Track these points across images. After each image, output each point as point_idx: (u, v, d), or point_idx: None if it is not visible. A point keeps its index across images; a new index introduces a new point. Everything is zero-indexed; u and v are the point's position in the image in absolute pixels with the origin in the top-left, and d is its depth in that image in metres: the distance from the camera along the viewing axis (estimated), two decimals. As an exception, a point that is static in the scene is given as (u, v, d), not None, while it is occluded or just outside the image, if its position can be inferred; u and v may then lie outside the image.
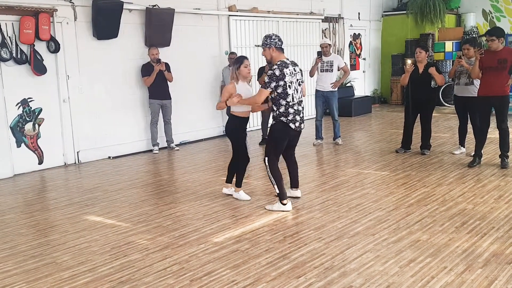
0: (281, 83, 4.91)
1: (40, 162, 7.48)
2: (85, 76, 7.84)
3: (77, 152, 7.86)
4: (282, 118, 5.02)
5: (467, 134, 7.47)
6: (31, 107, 7.30)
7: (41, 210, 5.54)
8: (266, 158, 5.14)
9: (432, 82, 7.22)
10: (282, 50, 5.11)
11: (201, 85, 9.58)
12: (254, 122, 10.53)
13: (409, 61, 7.33)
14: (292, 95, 5.00)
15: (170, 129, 8.67)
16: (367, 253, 3.98)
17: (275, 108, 5.04)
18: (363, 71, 14.10)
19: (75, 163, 7.84)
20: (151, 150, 8.59)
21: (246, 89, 5.32)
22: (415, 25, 13.50)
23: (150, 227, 4.81)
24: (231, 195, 5.69)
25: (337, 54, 12.11)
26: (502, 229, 4.40)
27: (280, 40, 5.09)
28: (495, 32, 6.34)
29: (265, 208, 5.21)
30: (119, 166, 7.65)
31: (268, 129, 6.09)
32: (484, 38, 7.71)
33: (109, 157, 8.17)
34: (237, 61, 5.30)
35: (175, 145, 8.81)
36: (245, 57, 5.36)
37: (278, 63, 4.98)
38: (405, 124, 7.66)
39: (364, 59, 14.09)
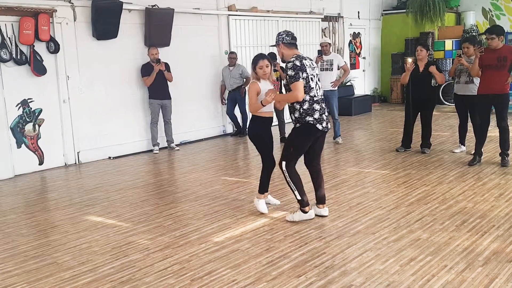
0: (304, 75, 4.48)
1: (41, 163, 7.49)
2: (85, 76, 7.85)
3: (78, 153, 7.87)
4: (308, 118, 4.53)
5: (467, 132, 7.46)
6: (31, 108, 7.31)
7: (41, 211, 5.55)
8: (284, 163, 4.65)
9: (432, 81, 7.22)
10: (293, 45, 4.69)
11: (201, 84, 9.59)
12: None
13: (409, 60, 7.32)
14: (316, 90, 4.58)
15: (170, 129, 8.67)
16: (368, 252, 3.99)
17: (297, 107, 4.57)
18: (363, 70, 14.10)
19: (75, 163, 7.84)
20: (151, 150, 8.59)
21: (269, 87, 4.85)
22: (415, 23, 13.50)
23: (151, 227, 4.82)
24: (271, 203, 5.20)
25: (337, 53, 12.11)
26: (503, 228, 4.40)
27: (288, 35, 4.69)
28: (495, 30, 6.34)
29: (286, 220, 4.76)
30: (120, 166, 7.65)
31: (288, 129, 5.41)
32: (483, 36, 7.70)
33: (110, 157, 8.17)
34: (252, 62, 4.86)
35: (175, 145, 8.81)
36: (261, 57, 4.83)
37: (294, 56, 4.58)
38: (405, 122, 7.66)
39: (364, 58, 14.09)
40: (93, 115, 7.98)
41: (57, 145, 7.64)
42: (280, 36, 4.73)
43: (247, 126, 5.44)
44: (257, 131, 5.02)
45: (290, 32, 4.77)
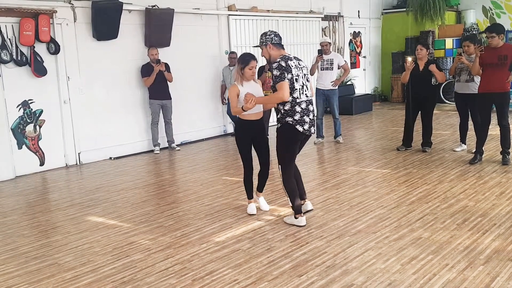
0: (289, 75, 4.41)
1: (42, 164, 7.49)
2: (85, 77, 7.85)
3: (78, 153, 7.87)
4: (287, 119, 4.48)
5: (468, 131, 7.46)
6: (32, 109, 7.31)
7: (43, 212, 5.55)
8: (280, 167, 4.64)
9: (433, 80, 7.22)
10: (281, 46, 4.63)
11: (201, 85, 9.59)
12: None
13: (409, 59, 7.31)
14: (299, 91, 4.49)
15: (171, 129, 8.67)
16: (369, 251, 3.99)
17: (280, 107, 4.51)
18: (364, 69, 14.09)
19: (76, 164, 7.84)
20: (152, 151, 8.59)
21: (253, 89, 4.69)
22: (415, 22, 13.48)
23: (152, 227, 4.82)
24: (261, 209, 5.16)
25: (337, 52, 12.11)
26: (504, 226, 4.39)
27: (276, 35, 4.61)
28: (495, 28, 6.33)
29: (284, 221, 4.77)
30: (120, 166, 7.65)
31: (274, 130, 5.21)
32: (484, 35, 7.69)
33: (110, 158, 8.18)
34: (242, 61, 4.68)
35: (176, 145, 8.81)
36: (252, 57, 4.70)
37: (281, 56, 4.52)
38: (406, 121, 7.65)
39: (364, 57, 14.08)
40: (93, 116, 7.99)
41: (58, 146, 7.65)
42: (268, 36, 4.61)
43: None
44: (238, 134, 4.97)
45: (277, 32, 4.71)
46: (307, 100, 4.59)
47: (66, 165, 7.76)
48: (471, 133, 7.39)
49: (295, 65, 4.51)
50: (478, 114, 6.77)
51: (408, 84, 7.37)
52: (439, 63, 10.01)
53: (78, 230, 4.85)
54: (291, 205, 4.70)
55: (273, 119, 9.02)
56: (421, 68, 7.23)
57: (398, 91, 13.88)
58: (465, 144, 7.52)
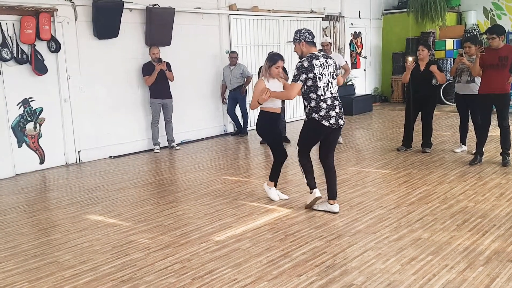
0: (310, 75, 4.65)
1: (41, 162, 7.49)
2: (86, 75, 7.85)
3: (78, 152, 7.87)
4: (314, 115, 4.73)
5: (468, 132, 7.46)
6: (32, 107, 7.31)
7: (42, 210, 5.55)
8: (297, 148, 4.99)
9: (433, 80, 7.22)
10: (313, 44, 4.87)
11: (202, 84, 9.58)
12: (255, 120, 10.51)
13: (410, 59, 7.32)
14: (323, 89, 4.70)
15: (171, 128, 8.67)
16: (368, 251, 3.98)
17: (306, 103, 4.80)
18: (364, 70, 14.09)
19: (76, 162, 7.84)
20: (152, 150, 8.59)
21: (275, 85, 5.15)
22: (416, 23, 13.48)
23: (152, 226, 4.82)
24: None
25: (338, 52, 12.10)
26: (504, 227, 4.39)
27: (310, 33, 4.86)
28: (496, 30, 6.33)
29: (316, 209, 5.03)
30: (120, 165, 7.65)
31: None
32: (484, 36, 7.69)
33: (110, 157, 8.18)
34: (271, 60, 5.12)
35: (176, 144, 8.81)
36: (279, 58, 5.13)
37: (308, 55, 4.76)
38: (406, 122, 7.65)
39: (365, 57, 14.08)
40: (94, 114, 7.99)
41: (58, 144, 7.65)
42: (302, 34, 4.83)
43: (256, 122, 5.59)
44: (262, 125, 5.34)
45: (310, 30, 4.94)
46: (332, 96, 4.79)
47: (66, 163, 7.76)
48: (471, 134, 7.39)
49: (321, 64, 4.72)
50: (478, 115, 6.77)
51: (408, 84, 7.38)
52: (440, 64, 10.01)
53: (77, 229, 4.85)
54: (305, 181, 5.03)
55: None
56: (421, 68, 7.23)
57: (399, 92, 13.88)
58: (465, 145, 7.52)
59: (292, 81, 4.81)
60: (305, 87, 4.74)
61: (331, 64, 4.80)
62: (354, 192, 5.67)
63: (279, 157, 5.35)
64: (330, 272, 3.64)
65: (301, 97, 4.87)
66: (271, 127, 5.28)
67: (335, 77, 4.86)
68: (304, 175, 5.02)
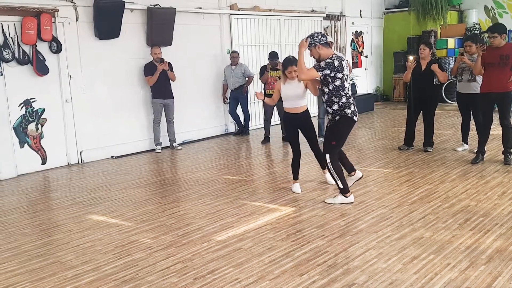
0: (339, 75, 4.93)
1: (43, 162, 7.50)
2: (88, 76, 7.86)
3: (80, 152, 7.88)
4: (346, 111, 5.01)
5: (470, 130, 7.45)
6: (34, 108, 7.32)
7: (44, 210, 5.56)
8: (328, 156, 5.09)
9: (435, 79, 7.21)
10: (328, 45, 5.05)
11: (203, 84, 9.59)
12: (257, 120, 10.54)
13: (411, 57, 7.32)
14: (348, 88, 5.06)
15: (173, 128, 8.68)
16: (370, 251, 3.98)
17: (336, 100, 5.00)
18: (365, 69, 14.08)
19: (78, 163, 7.86)
20: (153, 150, 8.60)
21: (292, 86, 5.44)
22: (417, 22, 13.46)
23: (154, 226, 4.82)
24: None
25: (339, 52, 12.09)
26: (506, 226, 4.39)
27: (323, 35, 5.03)
28: (497, 28, 6.32)
29: (325, 202, 5.24)
30: (122, 165, 7.66)
31: (326, 125, 5.88)
32: (486, 35, 7.68)
33: (112, 157, 8.19)
34: (283, 65, 5.47)
35: (178, 144, 8.81)
36: (289, 63, 5.37)
37: (334, 56, 4.95)
38: (408, 121, 7.64)
39: (366, 56, 14.06)
40: (95, 115, 8.00)
41: (59, 145, 7.66)
42: (316, 38, 4.98)
43: None
44: (283, 121, 5.71)
45: (322, 32, 5.15)
46: (350, 95, 5.18)
47: (68, 163, 7.78)
48: (473, 133, 7.38)
49: (345, 66, 5.00)
50: (480, 114, 6.76)
51: (410, 83, 7.37)
52: (442, 63, 10.00)
53: (79, 229, 4.86)
54: (341, 187, 5.15)
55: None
56: (423, 67, 7.22)
57: (400, 91, 13.87)
58: (467, 144, 7.51)
59: (313, 67, 4.96)
60: (334, 85, 4.96)
61: (347, 66, 5.09)
62: (356, 191, 5.66)
63: (294, 154, 5.66)
64: (332, 272, 3.64)
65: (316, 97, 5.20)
66: (287, 124, 5.72)
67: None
68: (339, 180, 5.13)
